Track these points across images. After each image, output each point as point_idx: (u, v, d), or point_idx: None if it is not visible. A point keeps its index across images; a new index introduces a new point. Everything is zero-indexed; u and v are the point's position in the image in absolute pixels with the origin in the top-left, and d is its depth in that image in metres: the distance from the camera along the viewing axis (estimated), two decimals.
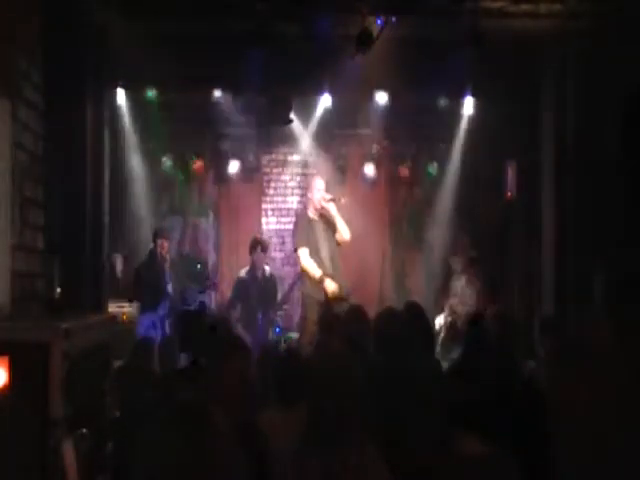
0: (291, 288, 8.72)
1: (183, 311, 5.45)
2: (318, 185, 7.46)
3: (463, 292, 8.91)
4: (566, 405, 3.29)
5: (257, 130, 9.94)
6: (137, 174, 9.81)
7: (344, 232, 7.32)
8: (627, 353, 3.40)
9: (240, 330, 8.06)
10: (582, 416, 3.20)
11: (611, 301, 6.46)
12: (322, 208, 7.33)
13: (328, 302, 6.88)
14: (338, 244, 7.40)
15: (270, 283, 8.62)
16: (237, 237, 10.37)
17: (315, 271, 7.13)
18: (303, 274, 7.37)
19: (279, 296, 8.78)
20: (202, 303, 6.69)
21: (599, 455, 3.13)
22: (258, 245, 8.55)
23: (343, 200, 7.41)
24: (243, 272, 8.64)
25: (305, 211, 7.65)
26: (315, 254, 7.23)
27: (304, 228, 7.35)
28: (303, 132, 10.06)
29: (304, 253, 7.22)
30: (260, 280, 8.49)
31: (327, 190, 7.51)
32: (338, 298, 6.95)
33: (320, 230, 7.33)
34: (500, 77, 7.79)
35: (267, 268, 8.76)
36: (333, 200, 7.33)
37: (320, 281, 7.07)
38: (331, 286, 7.04)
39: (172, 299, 8.02)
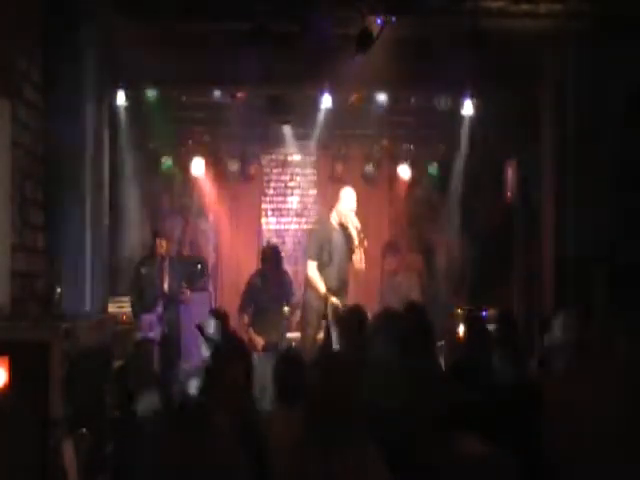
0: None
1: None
2: (349, 196, 7.28)
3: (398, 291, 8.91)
4: (565, 405, 3.29)
5: (257, 130, 9.94)
6: (137, 174, 9.80)
7: (361, 260, 7.18)
8: (627, 354, 3.40)
9: (252, 334, 7.98)
10: (581, 416, 3.20)
11: (611, 301, 6.46)
12: (346, 222, 7.20)
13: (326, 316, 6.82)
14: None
15: (282, 278, 8.38)
16: (237, 237, 10.37)
17: (320, 286, 7.03)
18: (307, 282, 7.29)
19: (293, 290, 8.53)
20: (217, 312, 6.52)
21: (598, 455, 3.13)
22: (272, 260, 8.29)
23: (366, 243, 7.25)
24: (254, 276, 8.37)
25: (328, 218, 7.42)
26: (325, 266, 7.14)
27: (321, 236, 7.22)
28: (303, 132, 10.05)
29: (312, 266, 7.12)
30: (272, 283, 8.31)
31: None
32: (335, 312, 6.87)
33: (338, 241, 7.20)
34: (500, 77, 7.78)
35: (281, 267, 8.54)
36: (359, 232, 7.17)
37: (324, 297, 6.99)
38: (336, 301, 6.97)
39: (168, 297, 8.00)
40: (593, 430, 3.14)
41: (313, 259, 7.17)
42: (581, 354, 3.74)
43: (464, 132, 9.64)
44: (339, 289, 7.17)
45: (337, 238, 7.23)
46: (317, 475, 2.66)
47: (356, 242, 7.14)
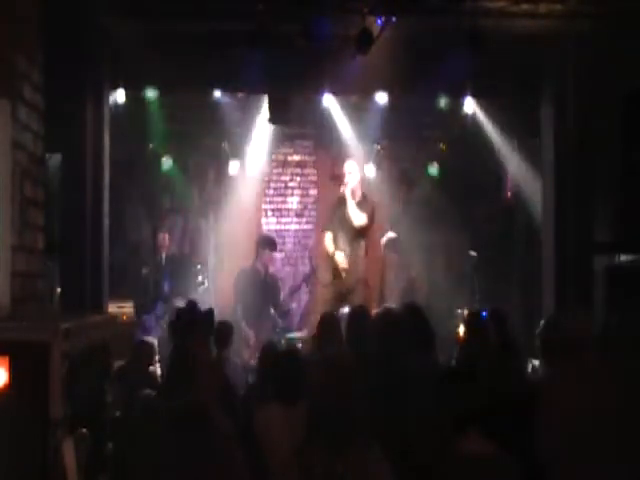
0: (297, 288, 8.63)
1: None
2: (352, 168, 8.00)
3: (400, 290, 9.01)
4: (564, 405, 3.29)
5: (257, 130, 9.92)
6: (137, 174, 9.79)
7: (356, 216, 7.70)
8: (627, 354, 3.40)
9: (244, 327, 8.00)
10: (580, 416, 3.20)
11: (611, 301, 6.46)
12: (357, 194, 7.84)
13: (335, 275, 7.25)
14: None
15: (273, 280, 8.53)
16: (237, 237, 10.36)
17: (330, 247, 7.67)
18: (321, 266, 7.64)
19: (281, 296, 8.67)
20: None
21: (596, 455, 3.13)
22: (268, 246, 8.49)
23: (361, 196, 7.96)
24: (245, 267, 8.50)
25: (343, 193, 7.95)
26: (338, 235, 7.68)
27: (337, 209, 7.84)
28: (303, 132, 10.04)
29: (328, 237, 7.77)
30: (263, 276, 8.38)
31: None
32: (342, 274, 7.29)
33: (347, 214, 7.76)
34: (500, 77, 7.79)
35: (270, 268, 8.69)
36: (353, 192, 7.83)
37: (331, 255, 7.59)
38: (340, 259, 7.37)
39: (169, 298, 8.00)
40: (592, 430, 3.14)
41: (328, 230, 7.84)
42: (580, 354, 3.74)
43: (464, 132, 9.64)
44: (351, 258, 7.68)
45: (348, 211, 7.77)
46: (319, 475, 2.66)
47: (348, 198, 7.73)
